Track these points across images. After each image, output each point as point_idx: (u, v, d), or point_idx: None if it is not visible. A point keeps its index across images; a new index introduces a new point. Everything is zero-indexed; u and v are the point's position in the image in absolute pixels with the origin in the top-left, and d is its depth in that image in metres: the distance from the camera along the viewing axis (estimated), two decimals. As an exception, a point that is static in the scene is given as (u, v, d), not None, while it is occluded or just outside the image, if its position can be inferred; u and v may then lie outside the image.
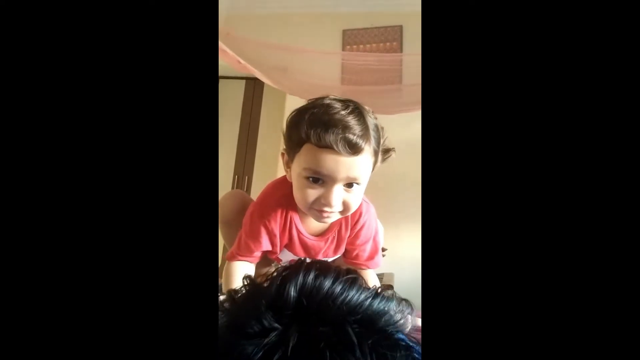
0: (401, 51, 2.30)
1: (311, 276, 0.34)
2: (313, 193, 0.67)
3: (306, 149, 0.65)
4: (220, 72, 3.01)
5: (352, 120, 0.63)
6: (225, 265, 0.81)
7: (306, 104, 0.69)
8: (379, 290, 0.35)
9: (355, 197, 0.69)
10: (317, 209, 0.68)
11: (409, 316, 0.35)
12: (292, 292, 0.33)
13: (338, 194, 0.66)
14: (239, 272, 0.78)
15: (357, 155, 0.64)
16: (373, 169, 0.70)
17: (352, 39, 2.42)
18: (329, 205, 0.66)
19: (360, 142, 0.63)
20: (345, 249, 0.84)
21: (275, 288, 0.34)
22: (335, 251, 0.82)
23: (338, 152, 0.62)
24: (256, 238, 0.76)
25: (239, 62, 1.54)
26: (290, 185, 0.74)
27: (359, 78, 1.82)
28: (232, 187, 3.00)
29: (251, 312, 0.32)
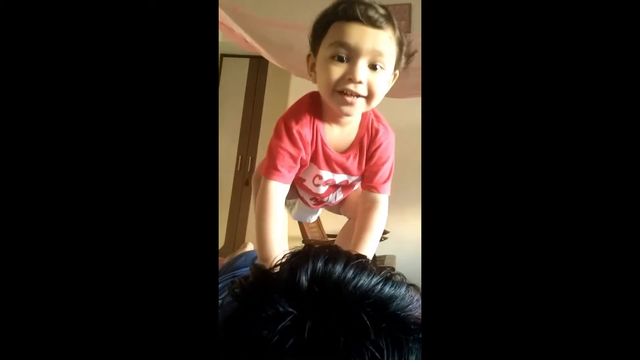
0: (409, 30, 2.25)
1: (321, 262, 0.34)
2: (337, 70, 0.67)
3: (333, 28, 0.68)
4: (224, 50, 2.98)
5: (376, 4, 0.67)
6: (262, 185, 0.77)
7: (331, 4, 0.72)
8: (389, 275, 0.35)
9: (380, 81, 0.69)
10: (341, 89, 0.68)
11: (418, 302, 0.35)
12: (304, 278, 0.33)
13: (363, 68, 0.67)
14: (276, 196, 0.76)
15: (381, 29, 0.66)
16: (397, 65, 0.72)
17: (359, 17, 2.37)
18: (354, 79, 0.66)
19: (383, 18, 0.66)
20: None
21: (285, 275, 0.34)
22: (359, 169, 0.82)
23: (363, 23, 0.65)
24: (295, 143, 0.75)
25: (246, 41, 1.51)
26: (316, 96, 0.77)
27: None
28: (236, 168, 3.00)
29: (264, 297, 0.32)
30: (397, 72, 0.74)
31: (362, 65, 0.66)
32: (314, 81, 0.73)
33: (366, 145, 0.79)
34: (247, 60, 3.03)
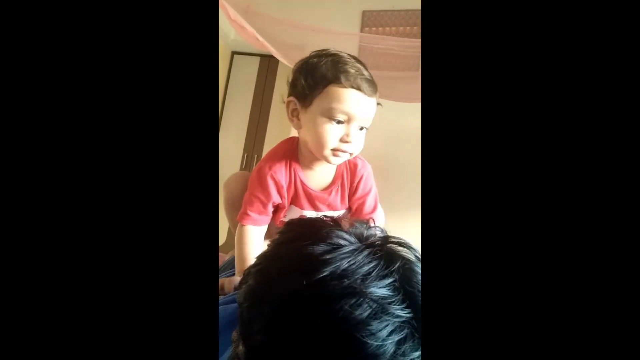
0: (420, 36, 2.25)
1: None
2: (336, 133, 0.72)
3: (331, 90, 0.71)
4: (235, 48, 2.99)
5: (362, 67, 0.73)
6: (237, 230, 0.82)
7: (312, 55, 0.75)
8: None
9: (362, 140, 0.76)
10: (336, 148, 0.73)
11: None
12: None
13: (355, 131, 0.73)
14: (252, 237, 0.80)
15: (374, 96, 0.73)
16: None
17: (371, 20, 2.37)
18: (350, 142, 0.72)
19: (373, 85, 0.73)
20: (348, 206, 0.87)
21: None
22: (342, 203, 0.85)
23: (363, 92, 0.71)
24: (265, 189, 0.79)
25: (257, 39, 1.52)
26: (292, 142, 0.81)
27: (376, 62, 1.79)
28: (241, 166, 3.00)
29: (317, 234, 0.36)
30: None
31: (355, 128, 0.73)
32: (297, 127, 0.77)
33: (347, 179, 0.84)
34: (257, 59, 3.04)
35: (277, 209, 0.84)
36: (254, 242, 0.80)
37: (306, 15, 2.35)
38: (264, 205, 0.80)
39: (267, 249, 0.40)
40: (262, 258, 0.39)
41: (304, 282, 0.32)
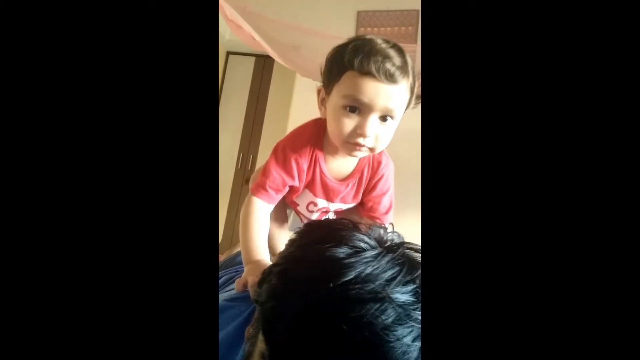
0: (417, 36, 2.25)
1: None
2: (350, 123, 0.67)
3: (347, 77, 0.66)
4: (230, 48, 2.98)
5: (392, 52, 0.65)
6: (247, 203, 0.79)
7: (346, 41, 0.70)
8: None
9: (387, 133, 0.70)
10: (352, 141, 0.69)
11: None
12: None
13: (373, 124, 0.67)
14: (261, 213, 0.77)
15: (396, 84, 0.65)
16: (406, 108, 0.71)
17: (366, 20, 2.38)
18: (363, 134, 0.67)
19: (399, 72, 0.65)
20: (362, 202, 0.84)
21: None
22: (355, 197, 0.83)
23: (379, 79, 0.64)
24: (289, 171, 0.76)
25: (253, 39, 1.51)
26: (320, 125, 0.77)
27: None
28: (237, 165, 2.99)
29: (337, 239, 0.36)
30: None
31: (372, 120, 0.67)
32: (323, 116, 0.73)
33: (367, 175, 0.80)
34: (253, 59, 3.03)
35: (290, 189, 0.81)
36: (262, 219, 0.77)
37: (301, 15, 2.35)
38: (284, 185, 0.77)
39: (289, 250, 0.40)
40: (285, 259, 0.39)
41: (330, 285, 0.32)
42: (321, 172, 0.78)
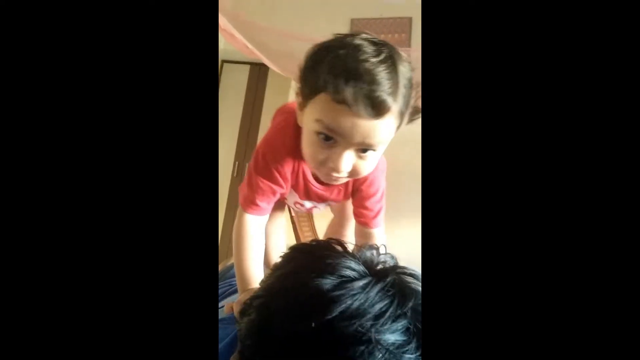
0: (409, 43, 2.27)
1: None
2: (322, 152, 0.57)
3: (321, 99, 0.54)
4: (225, 56, 2.99)
5: (381, 73, 0.51)
6: (238, 221, 0.73)
7: (332, 40, 0.56)
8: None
9: (368, 164, 0.60)
10: (325, 171, 0.61)
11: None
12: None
13: (349, 159, 0.57)
14: (255, 229, 0.71)
15: (380, 118, 0.53)
16: (395, 132, 0.59)
17: (359, 28, 2.39)
18: (336, 170, 0.58)
19: (386, 101, 0.51)
20: (352, 203, 0.80)
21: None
22: (345, 197, 0.78)
23: (357, 114, 0.51)
24: (275, 180, 0.70)
25: (247, 47, 1.52)
26: (299, 130, 0.65)
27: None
28: (233, 173, 2.99)
29: (330, 265, 0.34)
30: None
31: (348, 155, 0.57)
32: (300, 124, 0.63)
33: (352, 180, 0.74)
34: (247, 67, 3.04)
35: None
36: (256, 237, 0.72)
37: (295, 24, 2.36)
38: (274, 193, 0.71)
39: (270, 279, 0.38)
40: (265, 290, 0.36)
41: (312, 325, 0.30)
42: (305, 178, 0.74)
